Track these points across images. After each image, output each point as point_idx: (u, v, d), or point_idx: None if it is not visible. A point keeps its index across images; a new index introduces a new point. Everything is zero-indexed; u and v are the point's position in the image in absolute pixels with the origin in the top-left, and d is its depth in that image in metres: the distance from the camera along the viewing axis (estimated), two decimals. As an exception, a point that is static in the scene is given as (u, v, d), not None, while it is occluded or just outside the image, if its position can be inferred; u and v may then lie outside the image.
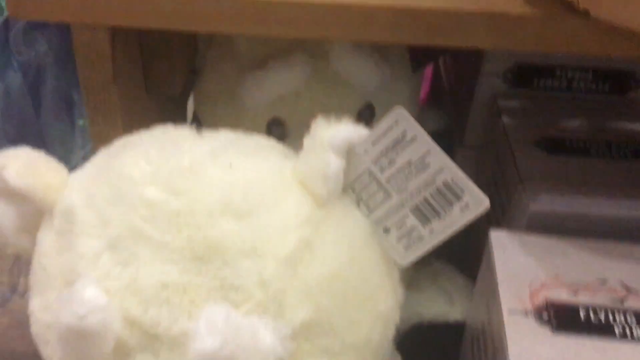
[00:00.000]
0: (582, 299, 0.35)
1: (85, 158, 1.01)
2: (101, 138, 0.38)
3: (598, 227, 0.40)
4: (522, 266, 0.37)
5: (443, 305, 0.49)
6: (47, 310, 0.28)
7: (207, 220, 0.26)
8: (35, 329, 0.29)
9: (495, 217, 0.45)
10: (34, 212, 0.30)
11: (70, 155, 1.02)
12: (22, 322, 1.29)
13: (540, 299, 0.35)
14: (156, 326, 0.25)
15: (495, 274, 0.36)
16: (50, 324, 0.27)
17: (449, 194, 0.28)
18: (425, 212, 0.28)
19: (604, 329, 0.33)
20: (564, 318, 0.33)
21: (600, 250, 0.38)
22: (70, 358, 0.27)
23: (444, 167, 0.27)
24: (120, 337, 0.25)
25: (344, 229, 0.28)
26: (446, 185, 0.28)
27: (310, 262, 0.26)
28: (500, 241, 0.38)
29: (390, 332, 0.30)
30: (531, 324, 0.33)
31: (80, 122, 0.98)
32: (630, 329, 0.33)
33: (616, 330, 0.33)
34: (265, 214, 0.26)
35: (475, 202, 0.28)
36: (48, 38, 0.95)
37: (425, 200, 0.28)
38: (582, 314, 0.34)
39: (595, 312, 0.34)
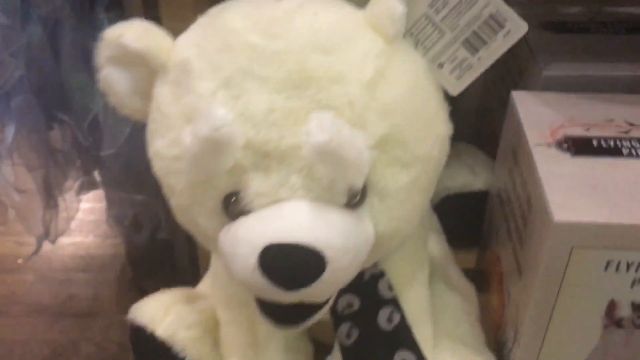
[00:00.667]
0: (594, 133, 0.42)
1: (107, 105, 1.06)
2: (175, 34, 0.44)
3: (601, 86, 0.47)
4: (541, 114, 0.43)
5: (467, 177, 0.56)
6: (173, 145, 0.34)
7: (301, 56, 0.32)
8: (160, 164, 0.35)
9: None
10: (145, 76, 0.36)
11: (92, 104, 1.07)
12: (46, 277, 1.36)
13: (559, 135, 0.42)
14: (267, 144, 0.31)
15: (520, 120, 0.43)
16: (176, 156, 0.34)
17: (494, 24, 0.34)
18: (474, 43, 0.35)
19: (613, 151, 0.40)
20: (580, 146, 0.41)
21: (605, 100, 0.45)
22: (197, 176, 0.33)
23: (489, 1, 0.34)
24: (236, 159, 0.32)
25: (408, 63, 0.35)
26: (492, 16, 0.34)
27: (384, 87, 0.33)
28: (521, 98, 0.45)
29: (445, 154, 0.37)
30: (553, 152, 0.40)
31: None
32: (636, 150, 0.40)
33: (624, 152, 0.40)
34: (347, 49, 0.33)
35: (516, 28, 0.34)
36: (64, -9, 0.99)
37: (474, 32, 0.35)
38: (594, 142, 0.41)
39: (605, 140, 0.41)
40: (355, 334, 0.38)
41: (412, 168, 0.34)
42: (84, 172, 1.23)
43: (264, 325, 0.43)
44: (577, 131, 0.42)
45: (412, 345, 0.38)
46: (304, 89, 0.31)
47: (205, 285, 0.50)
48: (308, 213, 0.31)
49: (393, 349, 0.38)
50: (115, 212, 1.27)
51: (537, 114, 0.43)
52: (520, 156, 0.43)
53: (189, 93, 0.33)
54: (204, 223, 0.34)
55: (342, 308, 0.38)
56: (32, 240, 1.54)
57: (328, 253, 0.31)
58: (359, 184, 0.32)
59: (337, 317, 0.39)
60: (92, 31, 1.04)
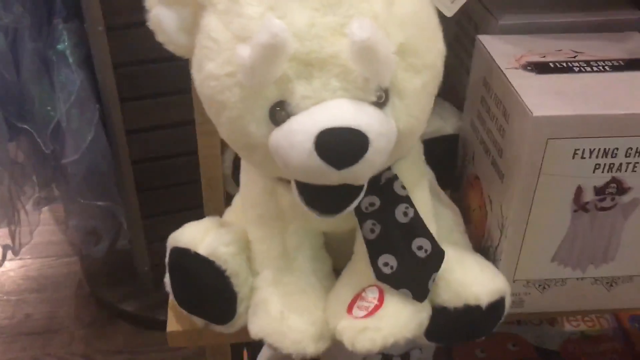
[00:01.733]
0: (549, 59, 0.51)
1: (70, 111, 1.09)
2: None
3: (547, 31, 0.57)
4: (504, 48, 0.53)
5: (438, 122, 0.64)
6: (226, 64, 0.40)
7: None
8: (214, 83, 0.41)
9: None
10: (191, 13, 0.42)
11: (53, 112, 1.09)
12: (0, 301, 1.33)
13: (523, 61, 0.51)
14: (309, 54, 0.38)
15: (489, 53, 0.52)
16: (230, 72, 0.40)
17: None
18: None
19: (567, 70, 0.50)
20: (541, 67, 0.50)
21: (552, 38, 0.55)
22: (252, 85, 0.39)
23: None
24: (283, 70, 0.38)
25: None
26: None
27: (399, 4, 0.40)
28: (486, 39, 0.55)
29: (442, 68, 0.45)
30: (521, 72, 0.50)
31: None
32: (584, 68, 0.50)
33: (575, 69, 0.50)
34: None
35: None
36: (22, 2, 1.02)
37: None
38: (551, 65, 0.50)
39: (559, 63, 0.51)
40: (377, 228, 0.46)
41: (423, 74, 0.42)
42: (41, 186, 1.24)
43: (294, 237, 0.49)
44: (536, 58, 0.51)
45: (426, 234, 0.46)
46: (338, 6, 0.39)
47: (229, 215, 0.56)
48: (349, 106, 0.39)
49: (410, 237, 0.46)
50: (75, 222, 1.28)
51: (501, 49, 0.53)
52: (492, 81, 0.52)
53: (239, 16, 0.40)
54: (254, 130, 0.41)
55: (365, 207, 0.46)
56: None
57: (370, 135, 0.38)
58: (386, 82, 0.39)
59: (361, 215, 0.46)
60: (51, 41, 1.08)
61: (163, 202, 1.28)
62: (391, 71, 0.39)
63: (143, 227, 1.29)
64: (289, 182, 0.45)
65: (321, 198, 0.41)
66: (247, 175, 0.50)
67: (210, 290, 0.48)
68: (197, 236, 0.49)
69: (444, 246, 0.47)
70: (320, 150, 0.37)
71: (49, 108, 1.09)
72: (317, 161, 0.38)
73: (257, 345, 0.77)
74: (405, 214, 0.46)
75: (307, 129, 0.38)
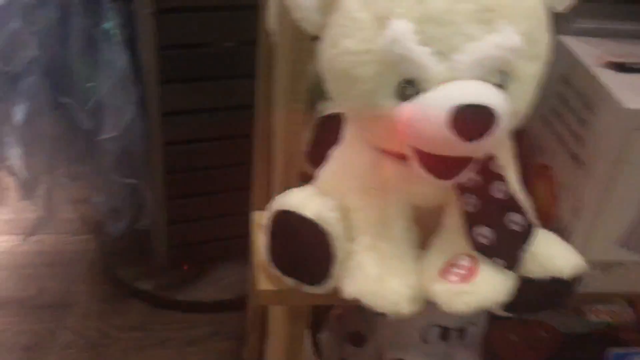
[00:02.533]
0: (626, 60, 0.57)
1: (112, 89, 1.12)
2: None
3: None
4: (586, 48, 0.58)
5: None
6: (364, 42, 0.44)
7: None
8: (350, 58, 0.45)
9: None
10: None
11: (95, 89, 1.12)
12: (13, 274, 1.36)
13: (603, 60, 0.56)
14: (444, 39, 0.43)
15: (573, 51, 0.57)
16: (367, 49, 0.44)
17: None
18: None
19: (643, 70, 0.55)
20: (620, 67, 0.55)
21: (625, 43, 0.60)
22: (385, 63, 0.43)
23: None
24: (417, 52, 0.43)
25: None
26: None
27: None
28: (568, 39, 0.60)
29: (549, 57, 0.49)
30: (603, 70, 0.55)
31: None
32: (658, 70, 0.55)
33: (651, 71, 0.55)
34: None
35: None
36: (75, -22, 1.05)
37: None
38: (628, 65, 0.56)
39: (636, 64, 0.56)
40: (475, 202, 0.50)
41: (537, 63, 0.47)
42: (72, 161, 1.26)
43: (393, 208, 0.53)
44: (615, 59, 0.57)
45: (519, 209, 0.51)
46: None
47: (320, 186, 0.59)
48: (481, 85, 0.43)
49: (505, 211, 0.50)
50: (99, 200, 1.30)
51: (582, 48, 0.58)
52: (574, 78, 0.57)
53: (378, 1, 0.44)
54: (382, 102, 0.45)
55: (465, 182, 0.50)
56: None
57: (499, 113, 0.42)
58: (510, 69, 0.44)
59: (461, 188, 0.50)
60: (98, 20, 1.10)
61: (189, 184, 1.30)
62: (517, 59, 0.44)
63: (166, 208, 1.31)
64: (395, 155, 0.49)
65: (440, 165, 0.45)
66: (352, 147, 0.54)
67: (311, 250, 0.52)
68: (303, 201, 0.53)
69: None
70: (455, 124, 0.42)
71: (91, 85, 1.12)
72: (448, 133, 0.42)
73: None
74: (501, 190, 0.50)
75: (443, 102, 0.42)
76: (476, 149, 0.44)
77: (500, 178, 0.50)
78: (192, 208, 1.33)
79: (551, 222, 0.60)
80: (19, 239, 1.45)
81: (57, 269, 1.46)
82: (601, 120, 0.53)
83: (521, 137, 0.67)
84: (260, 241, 0.56)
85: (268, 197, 0.58)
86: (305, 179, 0.63)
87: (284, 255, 0.54)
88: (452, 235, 0.52)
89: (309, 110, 0.66)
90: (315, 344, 0.82)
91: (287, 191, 0.55)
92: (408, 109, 0.44)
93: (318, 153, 0.63)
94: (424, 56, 0.43)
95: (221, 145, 1.25)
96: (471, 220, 0.50)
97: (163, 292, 1.37)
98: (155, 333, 1.32)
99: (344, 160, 0.55)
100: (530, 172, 0.65)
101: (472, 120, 0.42)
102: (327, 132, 0.62)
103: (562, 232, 0.58)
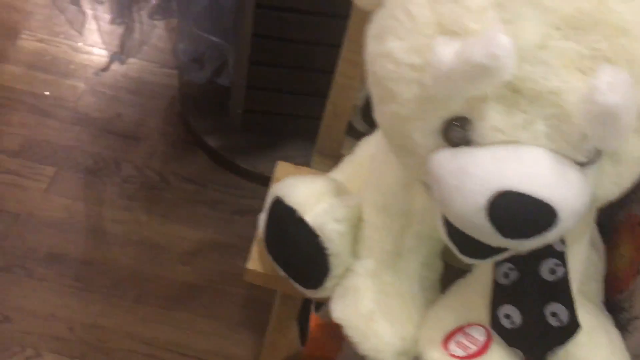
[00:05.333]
0: None
1: None
2: None
3: None
4: None
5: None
6: (415, 52, 0.32)
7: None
8: (391, 67, 0.33)
9: None
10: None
11: None
12: (96, 91, 1.35)
13: None
14: (525, 81, 0.29)
15: None
16: (416, 65, 0.31)
17: None
18: None
19: None
20: None
21: None
22: (437, 92, 0.31)
23: None
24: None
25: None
26: None
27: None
28: None
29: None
30: None
31: None
32: None
33: None
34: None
35: None
36: None
37: None
38: None
39: None
40: (513, 275, 0.39)
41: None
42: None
43: (413, 239, 0.43)
44: None
45: (567, 301, 0.39)
46: (587, 32, 0.29)
47: (339, 174, 0.50)
48: (549, 165, 0.30)
49: (547, 299, 0.39)
50: (184, 46, 1.24)
51: None
52: None
53: (453, 3, 0.30)
54: (418, 138, 0.33)
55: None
56: (87, 48, 1.51)
57: (562, 214, 0.30)
58: (612, 148, 0.30)
59: (501, 255, 0.39)
60: None
61: (274, 53, 1.21)
62: (624, 138, 0.30)
63: (248, 71, 1.24)
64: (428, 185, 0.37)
65: (471, 246, 0.34)
66: (386, 159, 0.43)
67: (304, 258, 0.44)
68: (309, 199, 0.43)
69: (579, 311, 0.40)
70: (494, 214, 0.30)
71: None
72: (484, 221, 0.30)
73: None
74: (553, 271, 0.38)
75: (486, 180, 0.30)
76: (519, 247, 0.32)
77: (558, 256, 0.38)
78: (273, 78, 1.25)
79: (621, 294, 0.47)
80: (108, 57, 1.43)
81: (136, 98, 1.45)
82: None
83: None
84: (261, 218, 0.48)
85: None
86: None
87: (279, 250, 0.46)
88: (475, 294, 0.42)
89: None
90: (302, 330, 0.75)
91: (296, 178, 0.45)
92: (444, 165, 0.32)
93: (369, 114, 0.52)
94: (491, 97, 0.30)
95: (315, 20, 1.13)
96: (500, 295, 0.39)
97: (227, 153, 1.35)
98: (208, 191, 1.32)
99: (373, 167, 0.45)
100: (616, 221, 0.51)
101: (518, 218, 0.30)
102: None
103: (628, 318, 0.45)
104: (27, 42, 1.49)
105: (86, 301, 1.10)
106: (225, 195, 1.31)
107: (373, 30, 0.35)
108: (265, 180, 1.34)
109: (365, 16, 0.46)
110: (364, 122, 0.52)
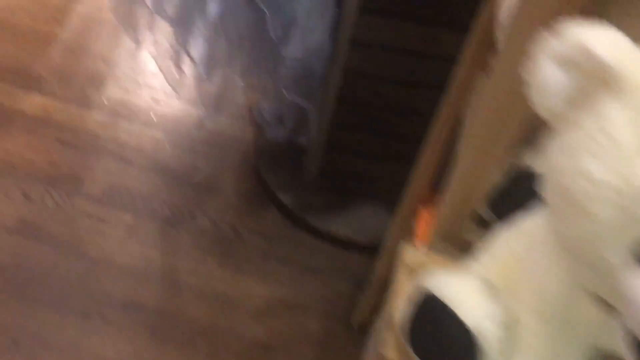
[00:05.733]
0: None
1: (310, 9, 1.03)
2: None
3: None
4: None
5: None
6: (617, 175, 0.32)
7: None
8: (586, 185, 0.33)
9: None
10: (586, 86, 0.34)
11: (293, 5, 1.04)
12: (173, 141, 1.37)
13: None
14: None
15: None
16: (617, 188, 0.32)
17: None
18: None
19: None
20: None
21: None
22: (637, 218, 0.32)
23: None
24: None
25: None
26: None
27: None
28: None
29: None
30: None
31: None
32: None
33: None
34: None
35: None
36: None
37: None
38: None
39: None
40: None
41: None
42: (252, 62, 1.22)
43: (573, 349, 0.43)
44: None
45: None
46: None
47: (485, 270, 0.49)
48: None
49: None
50: (267, 104, 1.28)
51: None
52: None
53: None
54: (608, 256, 0.33)
55: None
56: (168, 100, 1.56)
57: None
58: None
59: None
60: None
61: (356, 117, 1.24)
62: None
63: (328, 133, 1.26)
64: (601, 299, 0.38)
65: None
66: (549, 265, 0.43)
67: (453, 355, 0.44)
68: (467, 299, 0.43)
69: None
70: None
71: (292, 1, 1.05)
72: None
73: None
74: None
75: None
76: None
77: None
78: (352, 141, 1.27)
79: None
80: (192, 111, 1.48)
81: (212, 150, 1.48)
82: None
83: None
84: (400, 304, 0.49)
85: (427, 183, 0.49)
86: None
87: (425, 344, 0.46)
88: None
89: (509, 150, 0.55)
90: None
91: (447, 272, 0.46)
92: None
93: (501, 205, 0.53)
94: None
95: (403, 89, 1.15)
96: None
97: (300, 211, 1.36)
98: (280, 248, 1.33)
99: (529, 269, 0.45)
100: None
101: None
102: (521, 190, 0.51)
103: None
104: (112, 91, 1.55)
105: (160, 352, 1.11)
106: (296, 253, 1.32)
107: (561, 144, 0.36)
108: (335, 241, 1.36)
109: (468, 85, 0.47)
110: (492, 212, 0.53)
